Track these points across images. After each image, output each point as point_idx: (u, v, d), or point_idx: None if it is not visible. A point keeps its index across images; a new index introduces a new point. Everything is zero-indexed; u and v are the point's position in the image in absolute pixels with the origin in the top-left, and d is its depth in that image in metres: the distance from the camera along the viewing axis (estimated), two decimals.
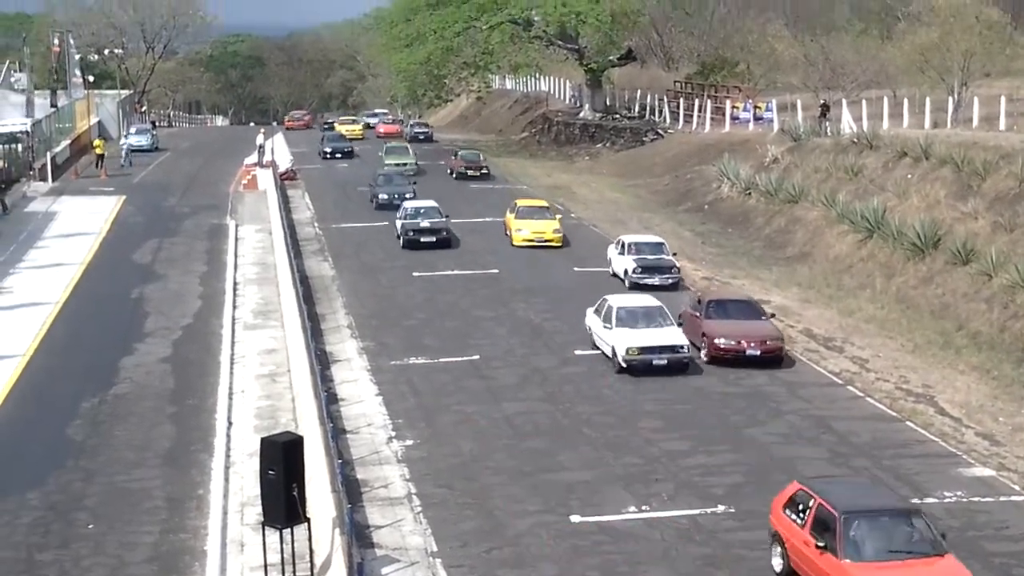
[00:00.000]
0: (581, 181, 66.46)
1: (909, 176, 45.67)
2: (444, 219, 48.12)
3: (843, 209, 45.79)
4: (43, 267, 44.33)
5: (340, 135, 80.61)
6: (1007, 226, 37.98)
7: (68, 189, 62.58)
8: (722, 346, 31.88)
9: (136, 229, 52.09)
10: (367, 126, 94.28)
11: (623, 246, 42.04)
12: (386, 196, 55.12)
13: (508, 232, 48.28)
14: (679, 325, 32.69)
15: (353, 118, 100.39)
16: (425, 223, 47.31)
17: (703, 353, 32.28)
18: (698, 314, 33.12)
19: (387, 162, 66.12)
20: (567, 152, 78.35)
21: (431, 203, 49.95)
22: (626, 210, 57.21)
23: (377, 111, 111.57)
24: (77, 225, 52.38)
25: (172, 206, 58.10)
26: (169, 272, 43.75)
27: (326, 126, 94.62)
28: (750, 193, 54.09)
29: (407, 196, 53.31)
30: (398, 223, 48.04)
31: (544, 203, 51.17)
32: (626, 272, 40.46)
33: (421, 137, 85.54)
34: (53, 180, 64.27)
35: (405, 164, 66.06)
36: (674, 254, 42.00)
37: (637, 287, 39.29)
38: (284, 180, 63.41)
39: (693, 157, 64.92)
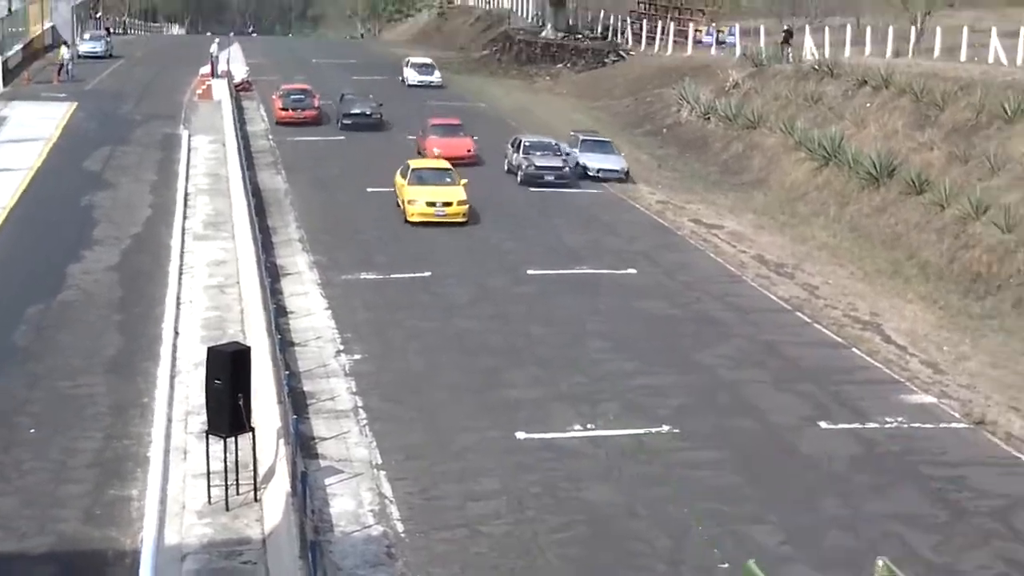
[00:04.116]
0: (540, 101, 66.05)
1: (868, 105, 45.65)
2: None
3: (801, 136, 45.75)
4: None
5: None
6: (962, 157, 38.08)
7: (19, 94, 61.39)
8: None
9: (87, 136, 51.27)
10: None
11: None
12: None
13: None
14: None
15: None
16: None
17: None
18: None
19: None
20: (528, 72, 77.68)
21: None
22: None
23: (417, 60, 70.99)
24: (27, 131, 51.45)
25: (125, 114, 57.21)
26: (120, 180, 43.15)
27: (346, 121, 53.09)
28: (709, 118, 53.91)
29: None
30: None
31: None
32: None
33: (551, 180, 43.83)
34: (4, 85, 63.09)
35: None
36: None
37: None
38: (239, 91, 62.66)
39: (654, 80, 64.54)
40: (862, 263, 35.29)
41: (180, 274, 31.95)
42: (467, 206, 38.03)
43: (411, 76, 69.61)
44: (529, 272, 33.22)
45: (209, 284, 31.24)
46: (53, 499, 19.46)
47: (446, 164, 40.51)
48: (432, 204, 37.63)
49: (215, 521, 18.84)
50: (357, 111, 54.05)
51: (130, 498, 19.59)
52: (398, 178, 39.70)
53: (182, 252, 33.99)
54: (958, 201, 35.52)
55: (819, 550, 18.82)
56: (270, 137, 52.08)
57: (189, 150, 48.44)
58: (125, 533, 18.45)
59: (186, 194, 41.05)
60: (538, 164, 43.82)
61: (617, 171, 45.78)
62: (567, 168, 44.29)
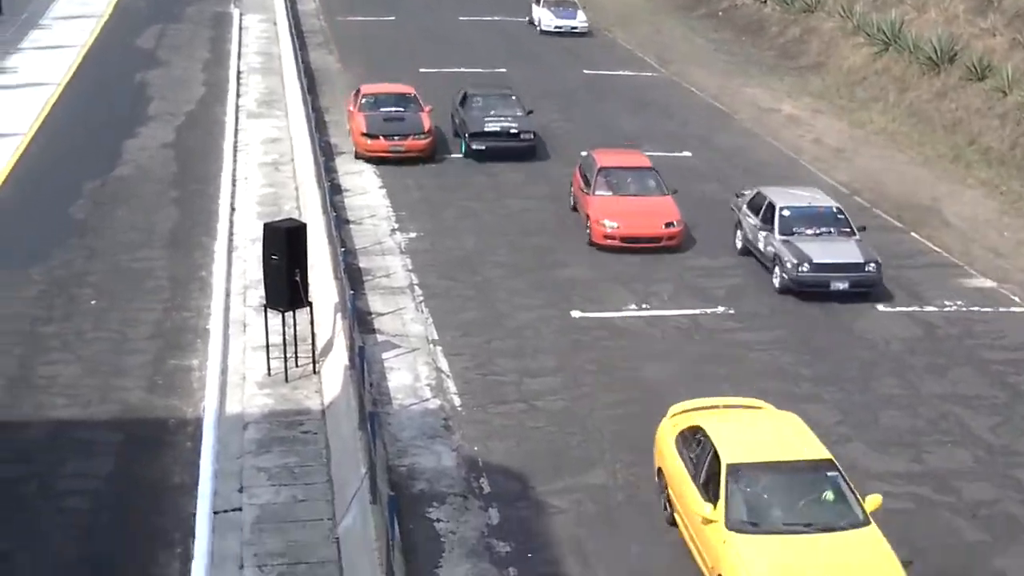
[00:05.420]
0: None
1: None
2: None
3: (860, 20, 44.84)
4: (45, 48, 43.68)
5: None
6: None
7: None
8: None
9: (139, 14, 51.14)
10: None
11: None
12: None
13: None
14: None
15: None
16: None
17: None
18: None
19: None
20: None
21: None
22: (638, 13, 56.10)
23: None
24: (79, 8, 51.43)
25: None
26: (172, 58, 43.10)
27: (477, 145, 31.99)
28: (765, 1, 52.91)
29: None
30: None
31: None
32: None
33: None
34: None
35: None
36: None
37: None
38: None
39: None
40: (922, 148, 34.75)
41: (235, 151, 32.02)
42: None
43: (545, 19, 50.71)
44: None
45: (264, 161, 31.27)
46: (116, 368, 19.73)
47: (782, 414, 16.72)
48: None
49: (275, 392, 19.05)
50: (494, 128, 32.40)
51: (191, 368, 19.82)
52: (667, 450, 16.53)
53: (236, 130, 34.05)
54: (1020, 87, 34.78)
55: (876, 430, 18.78)
56: (321, 17, 51.65)
57: (240, 29, 48.23)
58: (187, 402, 18.70)
59: (239, 72, 40.95)
60: (817, 260, 23.71)
61: None
62: (872, 265, 23.84)
